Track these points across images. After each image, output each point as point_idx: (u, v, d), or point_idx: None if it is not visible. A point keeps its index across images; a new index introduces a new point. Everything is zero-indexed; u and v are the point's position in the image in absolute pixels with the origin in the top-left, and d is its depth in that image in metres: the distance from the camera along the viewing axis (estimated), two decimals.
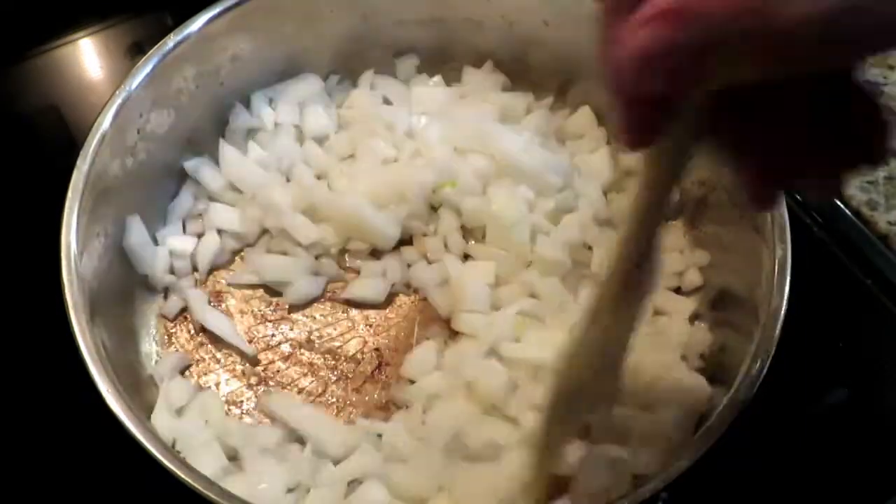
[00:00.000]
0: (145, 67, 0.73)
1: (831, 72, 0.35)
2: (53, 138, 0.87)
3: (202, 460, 0.64)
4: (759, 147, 0.39)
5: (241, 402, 0.72)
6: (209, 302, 0.76)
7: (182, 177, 0.80)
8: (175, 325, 0.75)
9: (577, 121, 0.83)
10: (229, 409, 0.71)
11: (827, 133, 0.37)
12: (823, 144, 0.37)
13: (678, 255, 0.76)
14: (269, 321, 0.76)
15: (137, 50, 0.80)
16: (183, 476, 0.56)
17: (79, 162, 0.68)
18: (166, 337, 0.74)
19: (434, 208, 0.79)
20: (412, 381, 0.71)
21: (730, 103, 0.37)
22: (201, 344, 0.74)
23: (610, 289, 0.50)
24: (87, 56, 0.95)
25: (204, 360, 0.73)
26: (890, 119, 0.37)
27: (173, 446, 0.65)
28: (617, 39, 0.34)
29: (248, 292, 0.77)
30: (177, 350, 0.74)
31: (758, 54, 0.32)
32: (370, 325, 0.76)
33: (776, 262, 0.64)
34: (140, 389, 0.69)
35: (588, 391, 0.55)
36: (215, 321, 0.74)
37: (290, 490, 0.65)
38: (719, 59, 0.32)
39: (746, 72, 0.33)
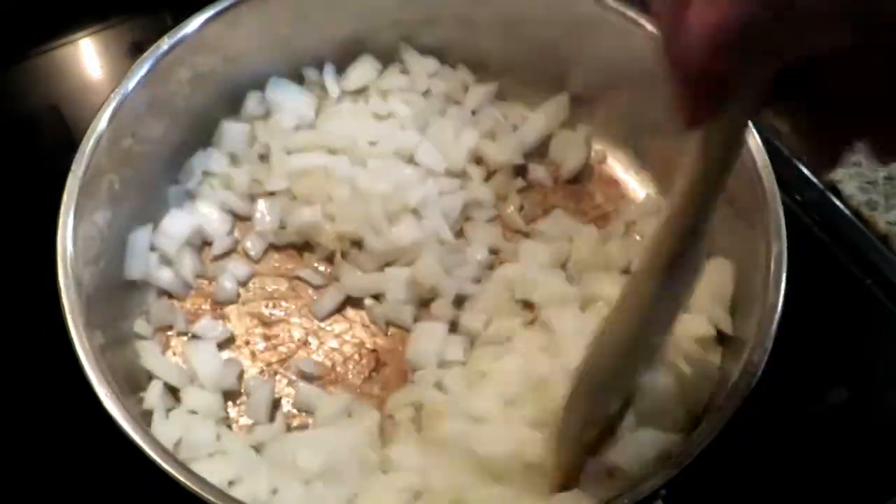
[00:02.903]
0: (140, 69, 0.73)
1: None
2: (53, 138, 0.87)
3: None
4: (826, 106, 0.38)
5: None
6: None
7: (178, 179, 0.80)
8: (172, 329, 0.75)
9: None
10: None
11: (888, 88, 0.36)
12: (886, 102, 0.37)
13: None
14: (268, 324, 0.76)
15: (137, 50, 0.80)
16: (181, 478, 0.56)
17: (74, 165, 0.68)
18: (164, 339, 0.74)
19: None
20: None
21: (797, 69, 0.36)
22: None
23: (653, 269, 0.47)
24: (87, 56, 0.95)
25: None
26: None
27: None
28: (685, 16, 0.33)
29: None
30: (174, 354, 0.74)
31: (834, 21, 0.31)
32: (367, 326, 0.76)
33: (772, 259, 0.64)
34: (137, 392, 0.69)
35: (622, 377, 0.54)
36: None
37: None
38: (796, 30, 0.32)
39: (824, 41, 0.33)
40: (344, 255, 0.77)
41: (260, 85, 0.82)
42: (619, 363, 0.54)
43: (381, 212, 0.77)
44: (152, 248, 0.76)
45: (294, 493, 0.64)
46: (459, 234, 0.79)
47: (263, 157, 0.81)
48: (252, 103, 0.81)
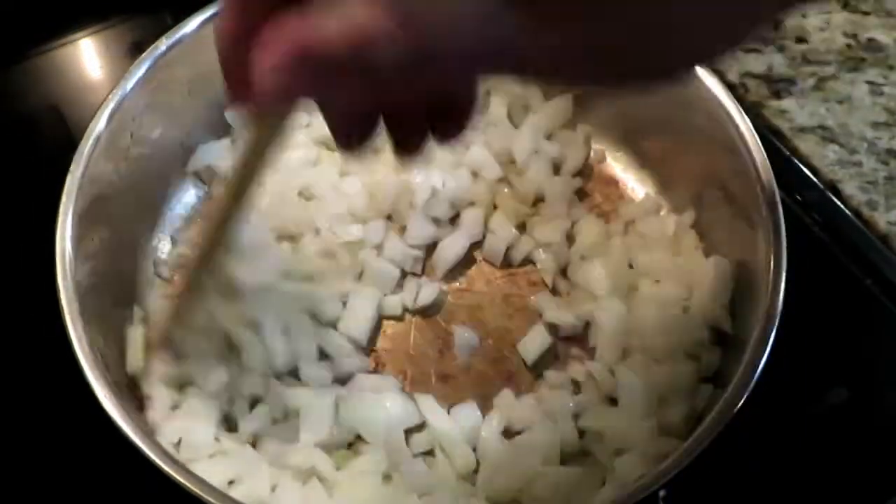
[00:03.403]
0: (139, 70, 0.73)
1: None
2: (53, 138, 0.87)
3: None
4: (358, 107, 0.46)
5: None
6: None
7: (177, 181, 0.80)
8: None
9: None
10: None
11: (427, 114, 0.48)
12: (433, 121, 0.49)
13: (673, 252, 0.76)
14: None
15: (137, 50, 0.80)
16: (181, 479, 0.56)
17: (72, 167, 0.68)
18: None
19: None
20: None
21: None
22: None
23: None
24: (87, 56, 0.95)
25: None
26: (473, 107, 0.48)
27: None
28: (251, 71, 0.38)
29: None
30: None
31: (366, 86, 0.39)
32: None
33: (772, 259, 0.64)
34: (136, 393, 0.69)
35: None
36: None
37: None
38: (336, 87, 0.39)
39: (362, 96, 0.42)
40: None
41: None
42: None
43: (385, 208, 0.77)
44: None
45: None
46: None
47: None
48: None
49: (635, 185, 0.83)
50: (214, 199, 0.62)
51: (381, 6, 0.35)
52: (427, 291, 0.76)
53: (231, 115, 0.81)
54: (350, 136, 0.49)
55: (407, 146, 0.50)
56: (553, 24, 0.36)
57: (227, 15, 0.41)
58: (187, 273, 0.67)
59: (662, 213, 0.79)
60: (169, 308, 0.69)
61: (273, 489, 0.64)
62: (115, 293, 0.72)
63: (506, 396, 0.70)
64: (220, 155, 0.80)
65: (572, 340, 0.74)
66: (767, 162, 0.68)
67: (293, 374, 0.70)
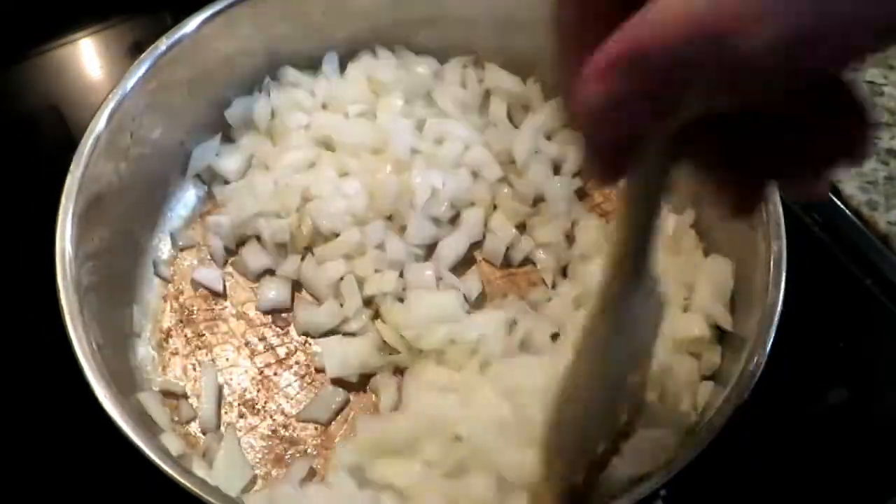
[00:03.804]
0: (139, 70, 0.73)
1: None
2: (53, 138, 0.87)
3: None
4: (732, 156, 0.38)
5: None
6: None
7: (177, 181, 0.80)
8: (171, 330, 0.75)
9: None
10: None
11: (804, 131, 0.35)
12: (800, 143, 0.36)
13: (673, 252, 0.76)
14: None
15: (137, 50, 0.80)
16: (180, 479, 0.56)
17: (72, 167, 0.68)
18: (163, 342, 0.74)
19: None
20: None
21: (696, 122, 0.35)
22: (198, 348, 0.74)
23: (604, 312, 0.48)
24: (87, 56, 0.95)
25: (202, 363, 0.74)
26: (870, 114, 0.35)
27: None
28: (577, 85, 0.32)
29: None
30: (172, 355, 0.74)
31: (722, 88, 0.30)
32: None
33: (772, 258, 0.64)
34: (135, 393, 0.69)
35: (599, 421, 0.54)
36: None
37: None
38: (681, 96, 0.31)
39: (712, 104, 0.32)
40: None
41: (258, 85, 0.82)
42: (591, 409, 0.53)
43: (385, 208, 0.77)
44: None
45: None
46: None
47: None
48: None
49: None
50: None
51: None
52: None
53: (231, 116, 0.81)
54: (737, 187, 0.39)
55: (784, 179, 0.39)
56: None
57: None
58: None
59: (662, 212, 0.79)
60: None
61: None
62: (115, 293, 0.72)
63: None
64: (220, 154, 0.81)
65: None
66: None
67: None
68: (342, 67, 0.84)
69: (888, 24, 0.29)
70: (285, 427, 0.70)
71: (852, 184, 0.82)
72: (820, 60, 0.29)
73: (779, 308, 0.62)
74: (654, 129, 0.34)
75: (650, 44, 0.29)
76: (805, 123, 0.35)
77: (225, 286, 0.78)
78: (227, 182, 0.81)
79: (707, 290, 0.70)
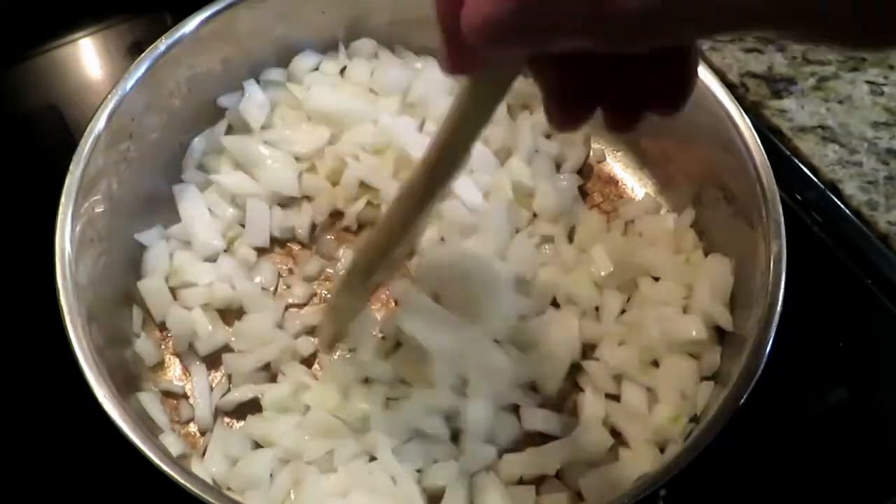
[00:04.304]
0: (138, 70, 0.73)
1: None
2: (53, 138, 0.87)
3: None
4: (566, 76, 0.42)
5: None
6: None
7: (175, 180, 0.80)
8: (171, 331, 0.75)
9: None
10: None
11: (635, 74, 0.41)
12: (628, 81, 0.42)
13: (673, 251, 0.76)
14: None
15: (137, 50, 0.80)
16: (180, 479, 0.56)
17: (72, 166, 0.68)
18: (163, 342, 0.74)
19: None
20: None
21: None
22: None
23: (417, 183, 0.53)
24: (87, 56, 0.95)
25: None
26: (693, 75, 0.42)
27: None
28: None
29: None
30: (172, 355, 0.74)
31: (591, 34, 0.34)
32: None
33: (771, 257, 0.64)
34: (135, 393, 0.69)
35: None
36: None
37: None
38: (556, 35, 0.34)
39: (578, 44, 0.35)
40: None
41: (257, 85, 0.82)
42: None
43: None
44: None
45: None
46: None
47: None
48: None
49: (635, 184, 0.83)
50: (401, 187, 0.55)
51: None
52: None
53: (229, 115, 0.81)
54: (568, 105, 0.43)
55: (624, 116, 0.44)
56: None
57: None
58: (348, 276, 0.64)
59: (662, 212, 0.79)
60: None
61: None
62: (115, 293, 0.72)
63: None
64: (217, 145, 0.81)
65: None
66: (767, 162, 0.68)
67: None
68: (342, 67, 0.84)
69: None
70: None
71: (852, 184, 0.82)
72: (675, 34, 0.34)
73: (778, 308, 0.62)
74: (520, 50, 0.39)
75: None
76: (638, 67, 0.41)
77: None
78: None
79: (707, 290, 0.70)
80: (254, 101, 0.81)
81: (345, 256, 0.78)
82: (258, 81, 0.82)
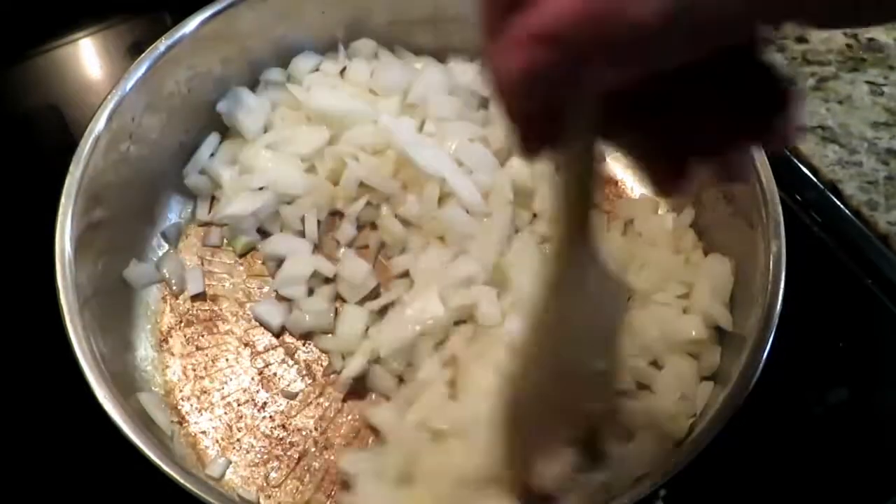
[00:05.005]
0: (138, 70, 0.73)
1: (721, 54, 0.34)
2: (53, 138, 0.87)
3: None
4: (652, 134, 0.40)
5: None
6: None
7: (177, 181, 0.80)
8: (171, 331, 0.75)
9: None
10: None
11: (714, 110, 0.37)
12: (711, 122, 0.38)
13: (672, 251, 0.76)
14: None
15: (137, 50, 0.80)
16: (180, 479, 0.56)
17: (72, 167, 0.68)
18: (163, 342, 0.75)
19: None
20: None
21: (619, 100, 0.37)
22: (198, 348, 0.74)
23: (551, 288, 0.48)
24: (87, 56, 0.95)
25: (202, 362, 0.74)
26: (793, 94, 0.37)
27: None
28: (498, 53, 0.34)
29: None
30: (172, 356, 0.74)
31: (625, 56, 0.32)
32: None
33: (771, 257, 0.64)
34: (135, 394, 0.69)
35: (552, 411, 0.52)
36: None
37: None
38: (592, 66, 0.32)
39: (623, 72, 0.33)
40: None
41: (258, 84, 0.82)
42: (546, 398, 0.52)
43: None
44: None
45: None
46: None
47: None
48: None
49: (635, 184, 0.83)
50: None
51: None
52: None
53: (224, 108, 0.81)
54: (668, 158, 0.40)
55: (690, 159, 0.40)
56: None
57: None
58: None
59: (661, 212, 0.79)
60: None
61: None
62: (115, 294, 0.72)
63: None
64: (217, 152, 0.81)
65: None
66: (767, 162, 0.68)
67: None
68: (342, 68, 0.84)
69: None
70: (285, 427, 0.70)
71: (852, 184, 0.83)
72: (706, 28, 0.31)
73: (778, 308, 0.62)
74: (571, 99, 0.36)
75: (554, 23, 0.31)
76: (716, 102, 0.37)
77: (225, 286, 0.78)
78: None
79: (707, 290, 0.70)
80: (247, 108, 0.81)
81: (345, 256, 0.78)
82: (258, 82, 0.82)
